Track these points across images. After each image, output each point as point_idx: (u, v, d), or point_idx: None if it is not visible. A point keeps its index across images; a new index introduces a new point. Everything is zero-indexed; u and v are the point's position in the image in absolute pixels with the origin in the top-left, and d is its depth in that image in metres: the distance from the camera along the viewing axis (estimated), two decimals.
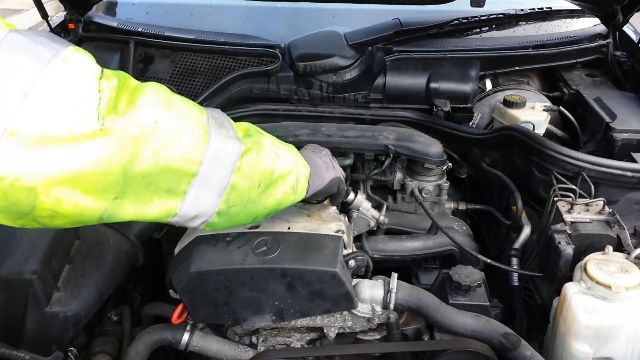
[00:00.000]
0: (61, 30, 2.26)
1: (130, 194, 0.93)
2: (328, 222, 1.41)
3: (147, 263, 1.90)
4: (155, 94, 0.96)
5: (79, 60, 0.86)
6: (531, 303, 1.59)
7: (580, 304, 1.26)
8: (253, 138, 1.14)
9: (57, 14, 2.37)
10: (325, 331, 1.38)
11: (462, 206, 1.82)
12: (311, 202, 1.47)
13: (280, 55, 2.08)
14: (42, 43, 0.84)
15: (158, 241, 1.87)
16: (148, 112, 0.92)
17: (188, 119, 0.99)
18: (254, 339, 1.43)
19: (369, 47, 2.13)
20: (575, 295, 1.28)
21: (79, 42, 2.31)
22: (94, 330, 1.57)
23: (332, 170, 1.40)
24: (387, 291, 1.35)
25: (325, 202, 1.53)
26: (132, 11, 2.45)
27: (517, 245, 1.64)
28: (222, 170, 1.05)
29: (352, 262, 1.37)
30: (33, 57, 0.82)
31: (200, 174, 1.00)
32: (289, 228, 1.38)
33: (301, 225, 1.39)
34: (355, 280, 1.39)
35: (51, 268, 1.29)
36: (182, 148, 0.96)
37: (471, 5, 1.95)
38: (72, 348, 1.37)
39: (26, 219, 0.88)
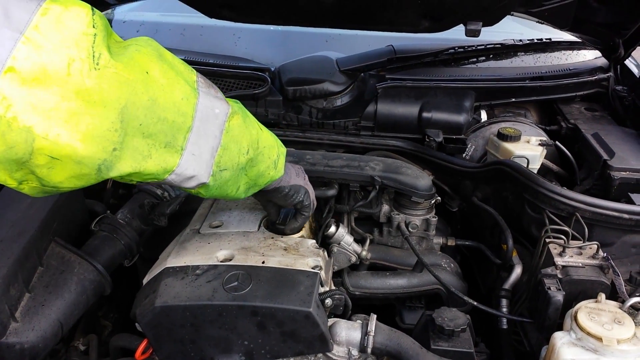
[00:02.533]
0: None
1: (129, 145, 0.93)
2: (305, 257, 1.34)
3: (122, 290, 1.84)
4: (147, 45, 0.97)
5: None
6: (520, 349, 1.51)
7: (569, 356, 1.18)
8: (239, 105, 1.18)
9: None
10: None
11: (451, 242, 1.75)
12: (279, 232, 1.41)
13: (269, 79, 2.03)
14: None
15: (134, 266, 1.80)
16: (140, 60, 0.93)
17: (178, 74, 1.00)
18: None
19: (361, 74, 2.08)
20: (564, 346, 1.20)
21: None
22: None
23: (301, 179, 1.39)
24: (365, 334, 1.27)
25: (305, 234, 1.46)
26: (123, 29, 2.42)
27: (507, 286, 1.57)
28: (213, 129, 1.07)
29: (328, 301, 1.29)
30: None
31: (194, 129, 1.01)
32: (263, 262, 1.30)
33: (276, 260, 1.31)
34: (331, 321, 1.31)
35: (9, 297, 1.21)
36: (174, 100, 0.97)
37: (466, 35, 1.89)
38: None
39: (24, 171, 0.86)
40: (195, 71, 1.07)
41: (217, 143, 1.08)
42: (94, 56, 0.85)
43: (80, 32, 0.85)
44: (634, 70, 2.18)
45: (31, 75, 0.80)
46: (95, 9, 0.89)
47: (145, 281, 1.35)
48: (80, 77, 0.84)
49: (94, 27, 0.86)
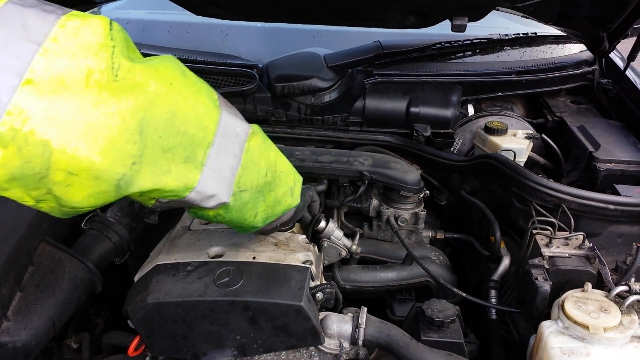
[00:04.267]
0: None
1: (149, 160, 0.91)
2: (296, 252, 1.35)
3: (113, 287, 1.84)
4: (171, 61, 0.97)
5: (88, 14, 0.86)
6: (509, 338, 1.53)
7: (556, 345, 1.20)
8: (258, 127, 1.17)
9: None
10: None
11: (440, 235, 1.77)
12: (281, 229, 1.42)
13: (257, 76, 2.03)
14: (49, 3, 0.85)
15: (125, 264, 1.80)
16: (163, 73, 0.93)
17: (200, 90, 1.00)
18: None
19: (349, 70, 2.09)
20: (551, 335, 1.22)
21: None
22: (52, 358, 1.50)
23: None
24: (356, 326, 1.28)
25: (295, 229, 1.47)
26: None
27: (495, 277, 1.59)
28: (234, 147, 1.06)
29: (319, 295, 1.31)
30: (43, 11, 0.82)
31: (215, 145, 1.00)
32: (254, 258, 1.31)
33: (267, 255, 1.32)
34: (322, 314, 1.32)
35: (1, 295, 1.21)
36: (196, 114, 0.97)
37: (452, 30, 1.91)
38: None
39: (42, 189, 0.84)
40: (215, 90, 1.07)
41: (237, 162, 1.07)
42: (112, 67, 0.85)
43: (99, 44, 0.84)
44: (619, 63, 2.21)
45: (49, 86, 0.79)
46: (113, 21, 0.88)
47: (136, 278, 1.35)
48: (98, 88, 0.83)
49: (112, 39, 0.85)
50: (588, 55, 2.25)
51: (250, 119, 1.97)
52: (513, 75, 2.14)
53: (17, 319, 1.24)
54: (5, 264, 1.24)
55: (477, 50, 2.26)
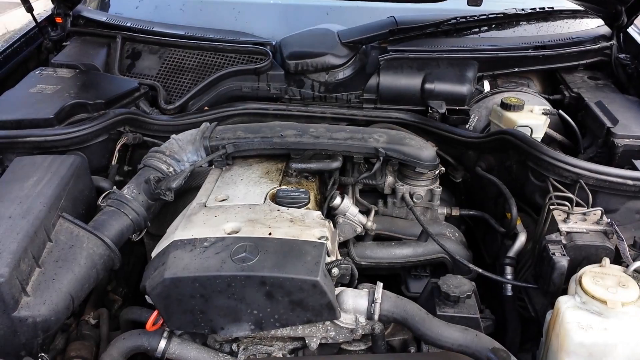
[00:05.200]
0: (48, 24, 2.21)
1: None
2: (311, 228, 1.35)
3: (131, 264, 1.86)
4: None
5: None
6: (525, 315, 1.53)
7: (573, 320, 1.19)
8: None
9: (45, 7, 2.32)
10: (307, 341, 1.32)
11: (455, 212, 1.76)
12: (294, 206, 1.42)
13: (271, 53, 2.02)
14: None
15: (142, 241, 1.82)
16: None
17: None
18: (234, 346, 1.38)
19: (363, 46, 2.07)
20: (568, 310, 1.21)
21: (67, 36, 2.26)
22: (71, 334, 1.52)
23: None
24: (372, 301, 1.29)
25: (311, 206, 1.47)
26: (123, 5, 2.40)
27: (511, 253, 1.58)
28: None
29: (335, 271, 1.31)
30: None
31: None
32: (270, 234, 1.32)
33: (283, 231, 1.33)
34: (338, 289, 1.33)
35: (20, 271, 1.23)
36: None
37: (468, 4, 1.88)
38: (43, 354, 1.30)
39: None
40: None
41: None
42: None
43: None
44: (637, 38, 2.16)
45: None
46: None
47: (153, 254, 1.36)
48: None
49: None
50: (606, 30, 2.21)
51: (263, 97, 2.00)
52: (530, 51, 2.11)
53: (36, 294, 1.26)
54: (24, 240, 1.25)
55: (493, 25, 2.22)
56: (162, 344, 1.34)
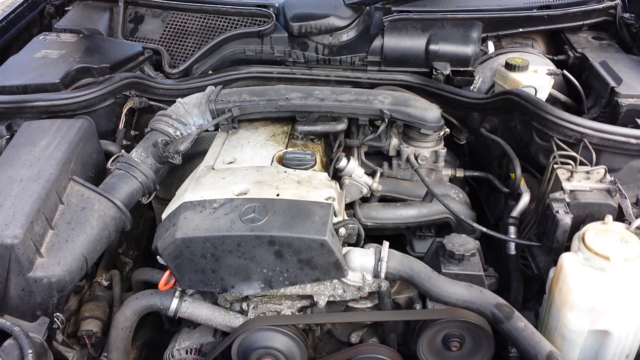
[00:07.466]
0: None
1: None
2: (318, 189, 1.37)
3: (140, 227, 1.88)
4: None
5: None
6: (528, 273, 1.56)
7: (576, 275, 1.22)
8: None
9: None
10: (315, 299, 1.36)
11: (459, 173, 1.77)
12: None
13: (274, 15, 2.01)
14: None
15: (150, 205, 1.84)
16: None
17: None
18: (244, 305, 1.41)
19: (367, 7, 2.05)
20: (572, 266, 1.24)
21: (69, 1, 2.25)
22: (84, 295, 1.55)
23: None
24: (378, 260, 1.32)
25: (317, 168, 1.49)
26: None
27: (514, 213, 1.60)
28: None
29: (342, 230, 1.33)
30: None
31: None
32: (277, 195, 1.34)
33: (290, 192, 1.35)
34: (345, 249, 1.35)
35: (34, 233, 1.25)
36: None
37: None
38: (58, 313, 1.34)
39: None
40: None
41: None
42: None
43: None
44: None
45: None
46: None
47: (164, 216, 1.38)
48: None
49: None
50: None
51: (267, 61, 2.00)
52: (534, 11, 2.09)
53: (50, 255, 1.29)
54: (36, 202, 1.28)
55: None
56: (175, 302, 1.38)
